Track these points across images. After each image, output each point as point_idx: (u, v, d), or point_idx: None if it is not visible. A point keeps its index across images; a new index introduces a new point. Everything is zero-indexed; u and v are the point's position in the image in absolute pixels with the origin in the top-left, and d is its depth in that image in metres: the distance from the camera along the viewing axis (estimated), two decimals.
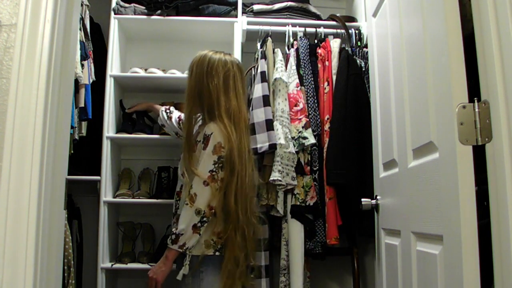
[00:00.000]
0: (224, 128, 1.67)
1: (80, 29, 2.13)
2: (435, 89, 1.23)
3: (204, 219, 1.60)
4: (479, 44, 1.07)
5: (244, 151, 1.69)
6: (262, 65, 2.28)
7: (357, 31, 2.48)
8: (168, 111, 2.22)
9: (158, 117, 2.27)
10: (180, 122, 2.13)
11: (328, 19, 2.59)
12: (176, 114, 2.16)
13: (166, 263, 1.66)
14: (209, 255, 1.64)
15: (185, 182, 1.69)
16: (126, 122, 2.50)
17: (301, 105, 2.23)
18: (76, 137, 2.24)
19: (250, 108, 2.21)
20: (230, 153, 1.64)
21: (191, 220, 1.60)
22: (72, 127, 2.01)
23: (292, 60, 2.33)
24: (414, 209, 1.38)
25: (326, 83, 2.31)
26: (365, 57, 2.33)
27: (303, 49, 2.37)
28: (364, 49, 2.37)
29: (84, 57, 2.19)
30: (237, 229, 1.63)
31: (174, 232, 1.63)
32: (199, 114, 1.87)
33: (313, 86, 2.32)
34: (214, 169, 1.63)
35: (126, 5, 2.50)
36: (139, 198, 2.40)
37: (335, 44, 2.37)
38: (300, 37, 2.42)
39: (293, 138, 2.19)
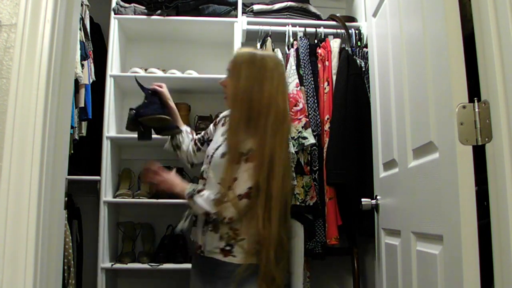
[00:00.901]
0: (263, 145, 1.51)
1: (80, 29, 2.13)
2: (435, 89, 1.23)
3: (215, 218, 1.51)
4: (479, 44, 1.07)
5: (281, 162, 1.53)
6: None
7: (357, 31, 2.48)
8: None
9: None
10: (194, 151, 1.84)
11: (328, 19, 2.59)
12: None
13: (176, 189, 1.59)
14: (252, 264, 1.51)
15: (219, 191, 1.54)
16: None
17: (300, 105, 2.23)
18: (76, 137, 2.24)
19: None
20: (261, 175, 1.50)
21: (207, 208, 1.50)
22: (72, 127, 2.01)
23: (292, 60, 2.33)
24: (414, 209, 1.38)
25: (326, 83, 2.31)
26: (365, 57, 2.33)
27: (303, 49, 2.37)
28: (364, 49, 2.37)
29: (84, 57, 2.20)
30: (270, 249, 1.49)
31: (194, 197, 1.53)
32: (222, 116, 1.74)
33: (313, 86, 2.33)
34: (253, 186, 1.50)
35: (126, 5, 2.50)
36: (139, 198, 2.40)
37: (335, 44, 2.37)
38: (300, 37, 2.42)
39: (292, 138, 2.19)
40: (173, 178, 1.64)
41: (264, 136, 1.51)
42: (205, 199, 1.52)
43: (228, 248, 1.51)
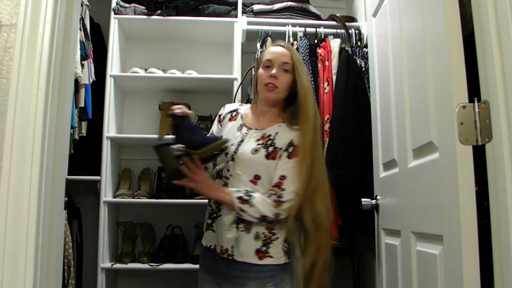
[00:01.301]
0: (311, 140, 1.52)
1: (80, 29, 2.13)
2: (435, 89, 1.23)
3: (274, 222, 1.48)
4: (479, 44, 1.07)
5: (321, 155, 1.55)
6: None
7: (357, 31, 2.48)
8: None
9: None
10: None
11: (328, 19, 2.59)
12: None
13: (217, 194, 1.47)
14: (287, 263, 1.50)
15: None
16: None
17: None
18: (76, 137, 2.24)
19: None
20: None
21: (265, 212, 1.44)
22: (72, 127, 2.01)
23: None
24: (414, 209, 1.38)
25: (326, 83, 2.31)
26: (365, 57, 2.32)
27: (303, 49, 2.37)
28: (364, 49, 2.37)
29: (84, 57, 2.20)
30: (328, 239, 1.51)
31: (249, 199, 1.44)
32: (228, 111, 1.67)
33: (313, 86, 2.32)
34: (304, 182, 1.49)
35: (126, 5, 2.50)
36: (139, 198, 2.40)
37: (335, 44, 2.37)
38: (300, 37, 2.42)
39: None
40: (211, 181, 1.52)
41: (312, 132, 1.51)
42: (261, 202, 1.45)
43: (264, 248, 1.47)
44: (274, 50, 1.60)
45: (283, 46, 1.60)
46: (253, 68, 2.40)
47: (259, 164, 1.49)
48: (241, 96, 2.42)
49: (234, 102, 2.35)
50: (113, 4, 2.50)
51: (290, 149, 1.50)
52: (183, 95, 2.70)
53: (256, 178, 1.49)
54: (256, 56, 2.43)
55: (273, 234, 1.49)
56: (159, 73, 2.53)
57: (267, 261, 1.47)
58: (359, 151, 2.14)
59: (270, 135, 1.54)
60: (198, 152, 1.44)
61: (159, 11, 2.49)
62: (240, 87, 2.41)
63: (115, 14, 2.48)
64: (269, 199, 1.46)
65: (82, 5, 2.19)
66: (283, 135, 1.52)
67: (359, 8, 2.61)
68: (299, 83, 1.54)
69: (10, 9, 1.21)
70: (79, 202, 2.50)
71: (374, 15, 1.87)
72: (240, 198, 1.44)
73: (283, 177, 1.47)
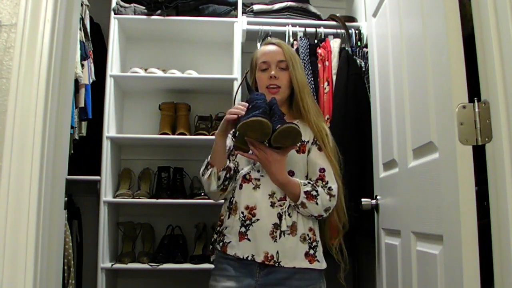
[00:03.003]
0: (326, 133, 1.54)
1: (80, 29, 2.13)
2: (435, 89, 1.23)
3: (324, 216, 1.46)
4: (479, 44, 1.07)
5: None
6: None
7: (357, 31, 2.48)
8: None
9: None
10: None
11: (328, 19, 2.59)
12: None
13: (281, 177, 1.39)
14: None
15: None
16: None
17: None
18: (76, 137, 2.24)
19: None
20: None
21: (323, 210, 1.42)
22: (72, 127, 2.01)
23: None
24: (414, 209, 1.38)
25: (326, 83, 2.31)
26: (365, 57, 2.32)
27: (303, 49, 2.37)
28: (364, 49, 2.37)
29: (84, 57, 2.20)
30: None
31: (316, 196, 1.40)
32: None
33: (313, 86, 2.32)
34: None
35: (126, 5, 2.50)
36: (139, 198, 2.40)
37: (335, 44, 2.37)
38: (300, 37, 2.42)
39: None
40: (280, 166, 1.39)
41: (323, 122, 1.55)
42: (323, 198, 1.42)
43: (312, 252, 1.41)
44: (267, 50, 1.58)
45: (274, 44, 1.59)
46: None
47: (292, 159, 1.47)
48: (241, 96, 2.42)
49: (234, 102, 2.35)
50: (113, 4, 2.50)
51: (316, 143, 1.51)
52: (183, 95, 2.70)
53: (290, 175, 1.45)
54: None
55: (315, 236, 1.45)
56: (159, 73, 2.53)
57: (315, 265, 1.41)
58: (359, 151, 2.14)
59: None
60: (237, 128, 1.35)
61: (159, 11, 2.49)
62: (240, 87, 2.41)
63: (115, 14, 2.48)
64: (326, 194, 1.43)
65: (82, 5, 2.19)
66: (304, 128, 1.49)
67: (359, 8, 2.61)
68: (294, 78, 1.53)
69: (10, 9, 1.21)
70: (79, 202, 2.50)
71: (374, 15, 1.87)
72: (307, 193, 1.40)
73: (323, 170, 1.48)
